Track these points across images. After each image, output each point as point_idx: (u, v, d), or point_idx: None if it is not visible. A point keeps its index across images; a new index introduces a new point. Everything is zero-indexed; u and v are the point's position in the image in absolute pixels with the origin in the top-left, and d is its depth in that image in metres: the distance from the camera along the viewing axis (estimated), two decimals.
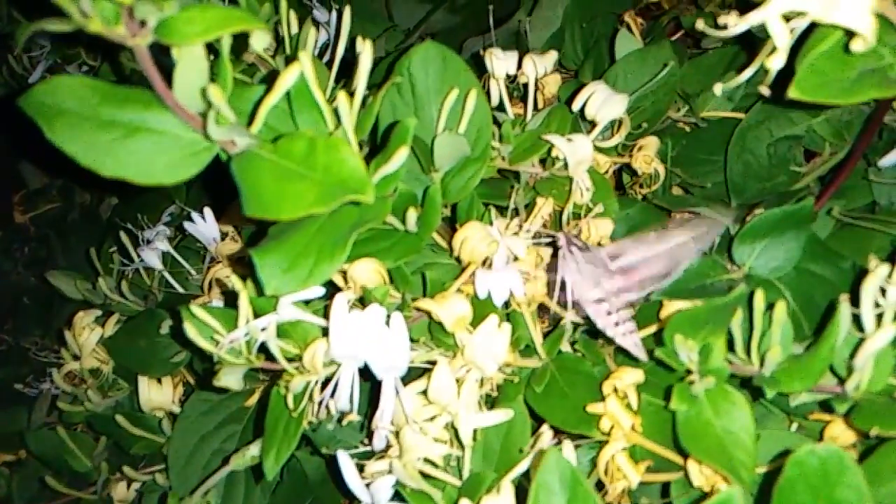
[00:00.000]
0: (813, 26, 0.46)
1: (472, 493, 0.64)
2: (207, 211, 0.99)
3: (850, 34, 0.44)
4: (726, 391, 0.60)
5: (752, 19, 0.45)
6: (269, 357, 0.64)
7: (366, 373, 0.63)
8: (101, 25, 0.47)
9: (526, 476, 0.63)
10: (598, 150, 0.85)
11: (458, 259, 0.72)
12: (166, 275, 1.06)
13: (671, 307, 0.69)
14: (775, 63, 0.45)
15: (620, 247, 0.69)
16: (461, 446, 0.65)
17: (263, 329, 0.62)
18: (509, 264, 0.70)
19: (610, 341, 0.68)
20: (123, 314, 1.06)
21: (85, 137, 0.51)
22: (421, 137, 0.73)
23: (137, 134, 0.53)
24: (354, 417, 0.65)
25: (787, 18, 0.44)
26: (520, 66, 0.86)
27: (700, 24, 0.55)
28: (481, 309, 0.67)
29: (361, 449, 0.69)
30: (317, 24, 0.99)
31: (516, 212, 0.81)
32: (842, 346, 0.58)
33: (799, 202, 0.73)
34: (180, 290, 1.06)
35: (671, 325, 0.60)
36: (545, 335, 0.73)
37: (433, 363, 0.65)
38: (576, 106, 0.83)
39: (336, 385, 0.63)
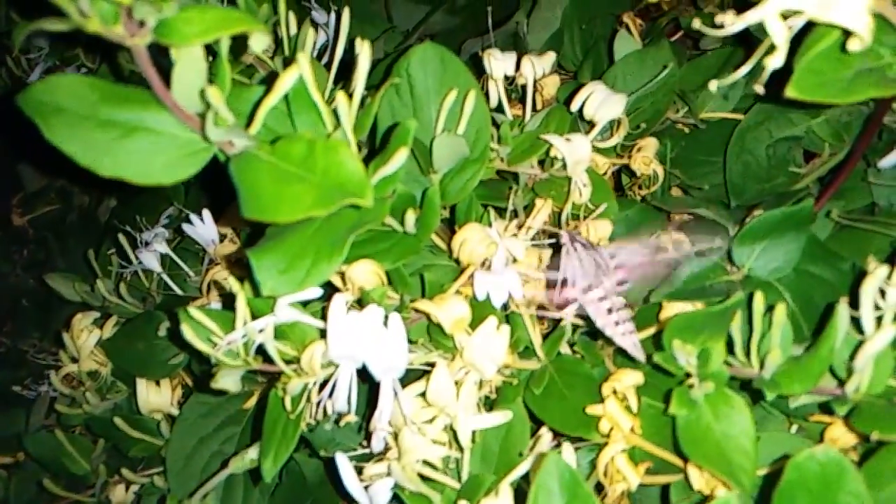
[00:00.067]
0: (811, 26, 0.46)
1: (471, 496, 0.64)
2: (206, 213, 0.99)
3: (847, 33, 0.44)
4: (726, 395, 0.59)
5: (749, 18, 0.45)
6: (267, 359, 0.64)
7: (364, 374, 0.63)
8: (100, 25, 0.47)
9: (525, 478, 0.63)
10: (597, 150, 0.85)
11: (456, 260, 0.72)
12: (165, 277, 1.06)
13: (670, 309, 0.69)
14: (774, 62, 0.45)
15: (619, 248, 0.69)
16: (460, 448, 0.65)
17: (261, 331, 0.61)
18: (508, 266, 0.70)
19: (609, 341, 0.68)
20: (122, 316, 1.06)
21: (83, 137, 0.51)
22: (420, 138, 0.72)
23: (135, 133, 0.53)
24: (352, 418, 0.65)
25: (785, 17, 0.44)
26: (518, 67, 0.86)
27: (696, 24, 0.54)
28: (480, 311, 0.67)
29: (360, 451, 0.68)
30: (315, 25, 0.99)
31: (515, 213, 0.81)
32: (841, 348, 0.58)
33: (798, 203, 0.73)
34: (179, 292, 1.06)
35: (669, 329, 0.60)
36: (544, 337, 0.73)
37: (432, 365, 0.65)
38: (574, 106, 0.83)
39: (334, 386, 0.63)
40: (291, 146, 0.55)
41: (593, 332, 0.75)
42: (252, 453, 0.82)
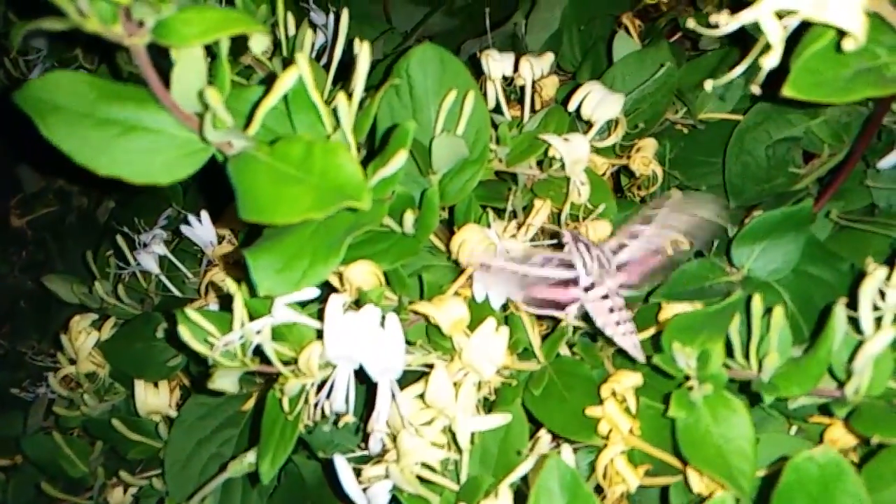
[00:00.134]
0: (807, 25, 0.46)
1: (470, 498, 0.64)
2: (204, 214, 0.99)
3: (842, 33, 0.44)
4: (725, 398, 0.59)
5: (744, 17, 0.45)
6: (265, 360, 0.63)
7: (362, 375, 0.63)
8: (98, 25, 0.47)
9: (524, 480, 0.63)
10: (596, 150, 0.85)
11: (455, 261, 0.72)
12: (163, 278, 1.05)
13: (670, 310, 0.69)
14: (770, 61, 0.45)
15: (619, 241, 0.69)
16: (459, 450, 0.65)
17: (258, 332, 0.61)
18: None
19: (609, 342, 0.68)
20: (120, 318, 1.06)
21: (80, 135, 0.50)
22: (419, 139, 0.72)
23: (133, 132, 0.52)
24: (350, 419, 0.64)
25: (780, 17, 0.44)
26: (516, 67, 0.86)
27: (691, 23, 0.54)
28: (479, 312, 0.67)
29: (358, 453, 0.68)
30: (314, 26, 0.99)
31: (514, 214, 0.81)
32: (841, 350, 0.58)
33: (798, 204, 0.73)
34: (177, 293, 1.06)
35: (668, 330, 0.60)
36: (543, 338, 0.73)
37: (430, 366, 0.65)
38: (571, 106, 0.83)
39: (332, 387, 0.63)
40: (290, 147, 0.55)
41: (593, 334, 0.75)
42: (250, 457, 0.81)
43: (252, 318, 0.62)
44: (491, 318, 0.65)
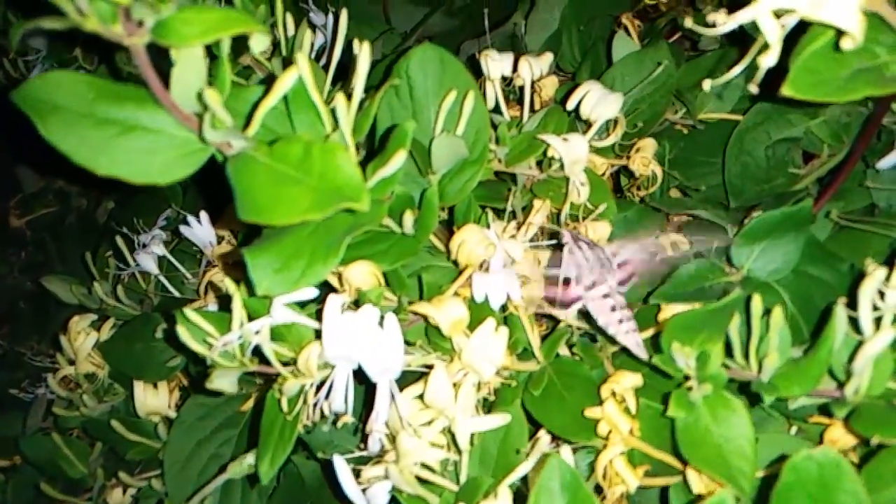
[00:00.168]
0: (807, 24, 0.46)
1: (470, 498, 0.64)
2: (203, 214, 0.99)
3: (841, 32, 0.44)
4: (725, 398, 0.59)
5: (741, 17, 0.45)
6: (264, 360, 0.63)
7: (361, 376, 0.63)
8: (98, 24, 0.46)
9: (523, 481, 0.63)
10: (595, 151, 0.85)
11: (455, 262, 0.72)
12: (162, 279, 1.05)
13: (669, 310, 0.69)
14: (767, 60, 0.45)
15: (620, 245, 0.69)
16: (458, 451, 0.65)
17: (257, 332, 0.61)
18: (506, 267, 0.69)
19: (611, 340, 0.67)
20: (119, 318, 1.06)
21: (79, 135, 0.50)
22: (419, 139, 0.72)
23: (132, 132, 0.52)
24: (349, 419, 0.64)
25: (778, 16, 0.44)
26: (516, 68, 0.86)
27: (689, 23, 0.54)
28: (478, 312, 0.67)
29: (358, 453, 0.68)
30: (313, 27, 0.99)
31: (513, 214, 0.81)
32: (840, 350, 0.58)
33: (797, 204, 0.72)
34: (176, 294, 1.06)
35: (668, 330, 0.60)
36: (543, 338, 0.73)
37: (430, 367, 0.64)
38: (570, 105, 0.83)
39: (330, 387, 0.63)
40: (289, 148, 0.54)
41: (592, 334, 0.75)
42: (250, 458, 0.81)
43: (251, 318, 0.62)
44: (490, 318, 0.65)
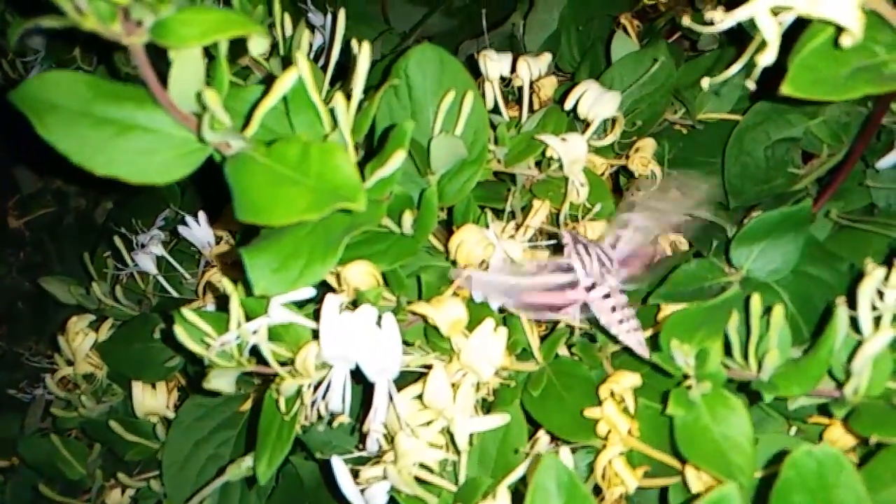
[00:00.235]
0: (805, 23, 0.46)
1: (469, 499, 0.63)
2: (201, 215, 0.99)
3: (840, 29, 0.44)
4: (724, 396, 0.59)
5: (739, 15, 0.45)
6: (262, 360, 0.63)
7: (359, 376, 0.63)
8: (96, 23, 0.46)
9: (522, 481, 0.63)
10: (595, 150, 0.85)
11: (453, 262, 0.71)
12: (161, 279, 1.05)
13: (668, 310, 0.69)
14: (765, 59, 0.45)
15: (614, 234, 0.68)
16: (457, 451, 0.65)
17: (255, 332, 0.61)
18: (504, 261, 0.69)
19: (614, 339, 0.67)
20: (117, 319, 1.06)
21: (77, 134, 0.50)
22: (417, 139, 0.72)
23: (130, 132, 0.52)
24: (345, 419, 0.64)
25: (775, 13, 0.44)
26: (514, 68, 0.86)
27: (687, 20, 0.54)
28: (477, 312, 0.67)
29: (356, 454, 0.68)
30: (312, 27, 0.99)
31: (513, 215, 0.81)
32: (840, 350, 0.58)
33: (797, 204, 0.72)
34: (175, 294, 1.05)
35: (667, 328, 0.60)
36: (542, 339, 0.73)
37: (428, 367, 0.64)
38: (568, 105, 0.83)
39: (328, 387, 0.63)
40: (287, 148, 0.54)
41: (591, 334, 0.75)
42: (248, 461, 0.81)
43: (249, 318, 0.62)
44: (489, 318, 0.65)
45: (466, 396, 0.64)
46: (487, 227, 0.72)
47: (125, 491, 1.01)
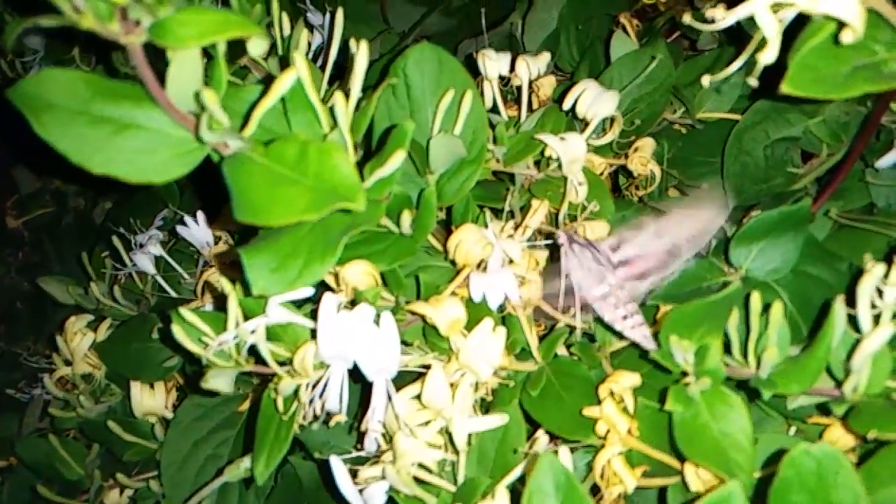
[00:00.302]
0: (805, 21, 0.46)
1: (467, 499, 0.63)
2: (200, 214, 0.99)
3: (840, 27, 0.44)
4: (723, 393, 0.59)
5: (739, 12, 0.45)
6: (260, 360, 0.63)
7: (358, 375, 0.62)
8: (94, 22, 0.46)
9: (521, 481, 0.62)
10: (594, 150, 0.85)
11: (452, 262, 0.71)
12: (159, 279, 1.05)
13: (668, 309, 0.69)
14: (766, 56, 0.45)
15: (620, 238, 0.68)
16: (455, 451, 0.65)
17: (253, 331, 0.61)
18: (504, 267, 0.69)
19: (619, 335, 0.67)
20: (116, 319, 1.06)
21: (75, 133, 0.50)
22: (416, 139, 0.72)
23: (128, 131, 0.52)
24: (342, 419, 0.64)
25: (776, 11, 0.44)
26: (513, 67, 0.86)
27: (687, 18, 0.54)
28: (476, 312, 0.67)
29: (355, 454, 0.68)
30: (310, 27, 0.99)
31: (511, 214, 0.81)
32: (839, 348, 0.58)
33: (796, 203, 0.72)
34: (173, 294, 1.05)
35: (667, 324, 0.60)
36: (541, 338, 0.73)
37: (427, 367, 0.64)
38: (566, 104, 0.83)
39: (325, 386, 0.62)
40: (285, 148, 0.54)
41: (591, 334, 0.75)
42: (247, 461, 0.81)
43: (247, 317, 0.61)
44: (488, 318, 0.64)
45: (465, 396, 0.64)
46: (486, 226, 0.72)
47: (123, 491, 1.01)
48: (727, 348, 0.61)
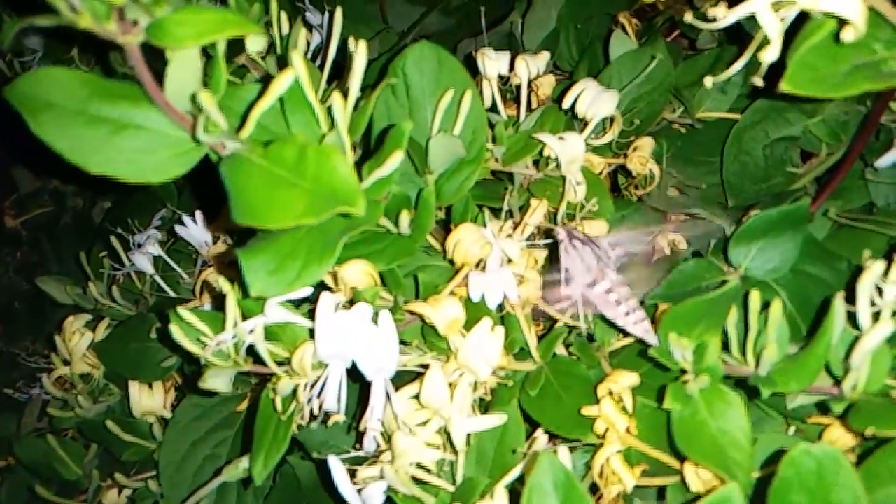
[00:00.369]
0: (805, 19, 0.45)
1: (466, 499, 0.63)
2: (198, 214, 0.99)
3: (840, 25, 0.44)
4: (721, 391, 0.59)
5: (740, 11, 0.45)
6: (258, 360, 0.63)
7: (357, 375, 0.62)
8: (91, 22, 0.46)
9: (520, 481, 0.62)
10: (593, 149, 0.85)
11: (451, 261, 0.71)
12: (157, 279, 1.05)
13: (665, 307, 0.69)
14: (768, 56, 0.45)
15: (618, 238, 0.68)
16: (454, 451, 0.65)
17: (251, 331, 0.61)
18: (503, 266, 0.69)
19: (622, 331, 0.67)
20: (114, 319, 1.06)
21: (72, 133, 0.50)
22: (415, 138, 0.72)
23: (126, 131, 0.52)
24: (341, 418, 0.64)
25: (777, 10, 0.44)
26: (513, 67, 0.86)
27: (688, 17, 0.54)
28: (475, 312, 0.67)
29: (353, 454, 0.68)
30: (310, 26, 0.99)
31: (510, 214, 0.81)
32: (838, 346, 0.58)
33: (795, 203, 0.72)
34: (172, 294, 1.05)
35: (666, 322, 0.59)
36: (540, 338, 0.73)
37: (426, 367, 0.64)
38: (566, 104, 0.83)
39: (323, 385, 0.62)
40: (283, 150, 0.54)
41: (590, 334, 0.75)
42: (245, 461, 0.81)
43: (245, 317, 0.61)
44: (487, 318, 0.64)
45: (464, 396, 0.64)
46: (485, 225, 0.72)
47: (122, 491, 1.01)
48: (726, 347, 0.61)
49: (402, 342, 0.65)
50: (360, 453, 0.68)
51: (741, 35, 0.54)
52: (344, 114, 0.58)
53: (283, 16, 0.82)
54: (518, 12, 1.15)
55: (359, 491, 0.63)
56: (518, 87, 0.87)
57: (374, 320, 0.60)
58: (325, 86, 0.75)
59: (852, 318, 0.57)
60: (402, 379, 0.65)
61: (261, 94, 0.54)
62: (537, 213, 0.76)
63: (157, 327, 0.94)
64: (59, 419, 1.05)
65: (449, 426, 0.63)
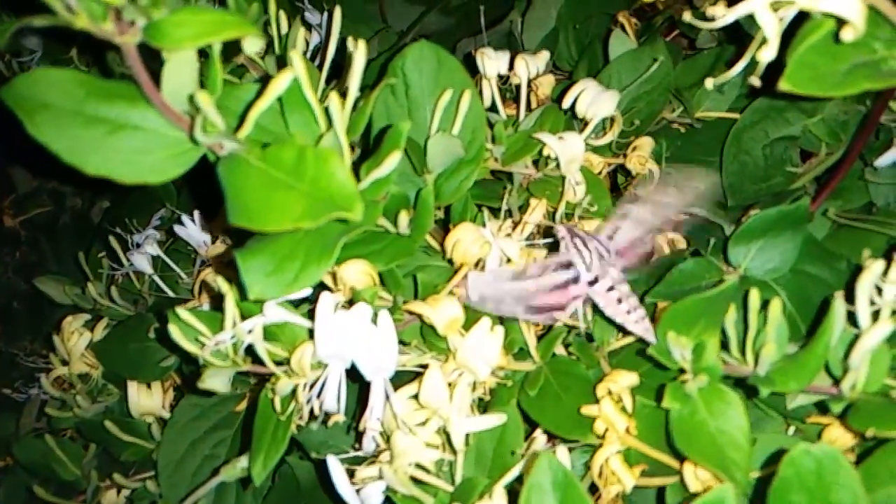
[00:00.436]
0: (804, 19, 0.45)
1: (465, 499, 0.63)
2: (197, 214, 0.99)
3: (840, 24, 0.43)
4: (720, 390, 0.59)
5: (740, 10, 0.45)
6: (257, 360, 0.63)
7: (356, 375, 0.62)
8: (88, 22, 0.46)
9: (519, 481, 0.62)
10: (592, 149, 0.85)
11: (450, 261, 0.71)
12: (156, 279, 1.05)
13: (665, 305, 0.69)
14: (766, 55, 0.45)
15: (612, 225, 0.68)
16: (453, 451, 0.65)
17: (249, 331, 0.61)
18: (502, 266, 0.69)
19: (622, 329, 0.67)
20: (113, 319, 1.05)
21: (69, 133, 0.50)
22: (414, 138, 0.72)
23: (123, 131, 0.51)
24: (340, 419, 0.64)
25: (776, 9, 0.44)
26: (512, 66, 0.86)
27: (688, 16, 0.54)
28: (474, 312, 0.66)
29: (352, 454, 0.68)
30: (308, 26, 0.98)
31: (509, 213, 0.81)
32: (837, 346, 0.58)
33: (794, 202, 0.72)
34: (171, 294, 1.05)
35: (664, 320, 0.59)
36: (539, 338, 0.73)
37: (425, 367, 0.64)
38: (565, 104, 0.83)
39: (322, 385, 0.62)
40: (282, 152, 0.53)
41: (589, 334, 0.75)
42: (244, 461, 0.81)
43: (244, 317, 0.61)
44: (486, 317, 0.64)
45: (463, 396, 0.63)
46: (484, 225, 0.72)
47: (120, 491, 1.01)
48: (725, 346, 0.61)
49: (402, 342, 0.65)
50: (359, 453, 0.68)
51: (741, 34, 0.53)
52: (342, 114, 0.58)
53: (282, 15, 0.82)
54: (517, 12, 1.15)
55: (357, 491, 0.63)
56: (517, 87, 0.87)
57: (374, 320, 0.60)
58: (323, 85, 0.75)
59: (852, 318, 0.57)
60: (401, 379, 0.65)
61: (259, 93, 0.54)
62: (536, 212, 0.76)
63: (155, 327, 0.94)
64: (57, 419, 1.05)
65: (448, 426, 0.63)
